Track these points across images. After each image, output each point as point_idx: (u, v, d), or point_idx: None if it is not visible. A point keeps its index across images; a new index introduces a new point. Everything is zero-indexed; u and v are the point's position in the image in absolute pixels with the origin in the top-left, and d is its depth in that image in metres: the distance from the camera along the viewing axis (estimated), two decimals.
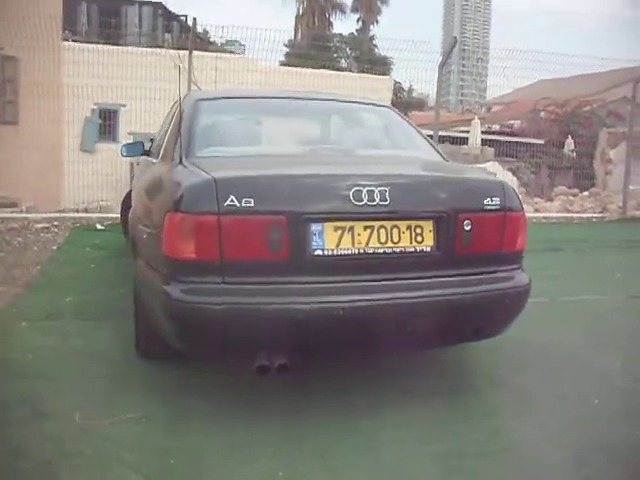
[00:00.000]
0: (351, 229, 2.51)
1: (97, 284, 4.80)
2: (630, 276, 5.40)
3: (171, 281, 2.44)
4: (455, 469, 2.28)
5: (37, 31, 9.87)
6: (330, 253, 2.48)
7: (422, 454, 2.37)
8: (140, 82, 10.43)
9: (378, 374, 3.01)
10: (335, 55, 28.01)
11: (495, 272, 2.75)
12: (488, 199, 2.71)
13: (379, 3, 39.14)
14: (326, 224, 2.48)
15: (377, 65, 22.56)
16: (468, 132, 18.31)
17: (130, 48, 12.60)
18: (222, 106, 3.65)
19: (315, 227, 2.46)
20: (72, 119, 11.07)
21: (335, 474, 2.24)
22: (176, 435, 2.45)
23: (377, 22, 41.92)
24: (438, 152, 3.51)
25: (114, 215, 7.84)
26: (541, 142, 16.32)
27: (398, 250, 2.56)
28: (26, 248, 6.04)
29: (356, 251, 2.51)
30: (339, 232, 2.49)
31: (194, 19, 9.10)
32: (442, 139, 16.56)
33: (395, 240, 2.55)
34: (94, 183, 10.54)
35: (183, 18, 20.26)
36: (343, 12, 37.41)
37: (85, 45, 11.76)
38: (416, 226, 2.59)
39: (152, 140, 5.44)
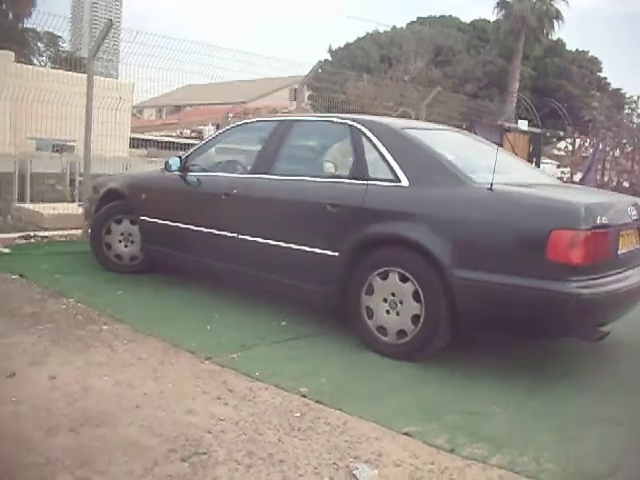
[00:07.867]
0: (624, 235, 3.72)
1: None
2: None
3: (561, 280, 3.26)
4: None
5: None
6: (622, 252, 3.66)
7: None
8: None
9: None
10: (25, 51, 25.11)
11: None
12: None
13: None
14: (621, 232, 3.64)
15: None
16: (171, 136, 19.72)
17: None
18: (430, 136, 4.33)
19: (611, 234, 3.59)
20: None
21: None
22: None
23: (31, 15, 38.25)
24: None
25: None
26: None
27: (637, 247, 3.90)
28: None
29: (626, 250, 3.73)
30: (622, 238, 3.68)
31: None
32: (149, 143, 16.98)
33: (636, 241, 3.90)
34: None
35: None
36: None
37: None
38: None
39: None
